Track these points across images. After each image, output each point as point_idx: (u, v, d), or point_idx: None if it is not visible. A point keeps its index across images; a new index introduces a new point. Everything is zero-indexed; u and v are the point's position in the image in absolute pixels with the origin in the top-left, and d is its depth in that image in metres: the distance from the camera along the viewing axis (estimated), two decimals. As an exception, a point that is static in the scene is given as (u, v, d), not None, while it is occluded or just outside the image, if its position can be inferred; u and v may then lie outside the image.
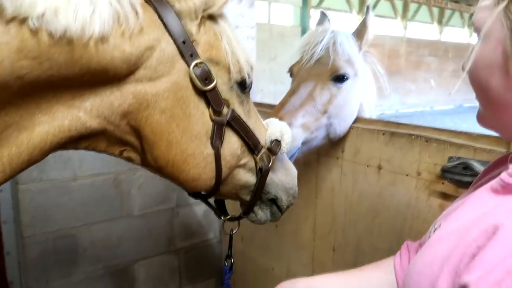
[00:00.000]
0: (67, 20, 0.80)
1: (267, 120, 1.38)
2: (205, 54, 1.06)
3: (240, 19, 2.60)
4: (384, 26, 17.53)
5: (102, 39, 0.86)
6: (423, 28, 19.14)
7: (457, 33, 20.90)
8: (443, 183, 1.49)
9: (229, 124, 1.13)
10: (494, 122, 0.83)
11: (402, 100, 17.87)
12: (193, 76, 1.02)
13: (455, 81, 20.54)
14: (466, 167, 1.38)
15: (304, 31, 13.11)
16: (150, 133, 1.02)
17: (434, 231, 0.86)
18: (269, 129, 1.32)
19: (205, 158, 1.11)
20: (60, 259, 2.34)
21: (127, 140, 1.05)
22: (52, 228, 2.29)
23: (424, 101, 19.03)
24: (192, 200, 2.80)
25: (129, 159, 1.12)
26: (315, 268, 2.16)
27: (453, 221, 0.76)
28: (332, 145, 1.95)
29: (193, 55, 1.02)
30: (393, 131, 1.69)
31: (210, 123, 1.09)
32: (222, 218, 1.45)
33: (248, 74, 1.15)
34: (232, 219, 1.45)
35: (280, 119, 1.46)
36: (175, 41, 0.99)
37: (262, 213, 1.39)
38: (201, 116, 1.07)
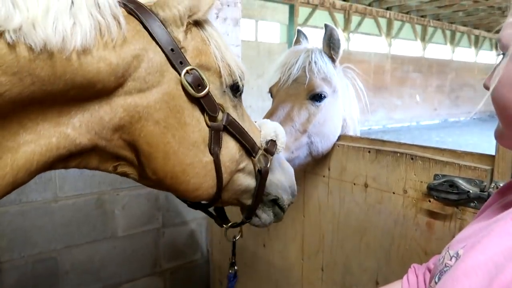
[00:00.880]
0: (46, 33, 0.77)
1: (259, 122, 1.36)
2: (194, 61, 1.04)
3: (225, 37, 2.61)
4: (369, 43, 17.87)
5: (85, 51, 0.83)
6: (407, 45, 19.56)
7: (440, 50, 21.40)
8: (429, 201, 1.48)
9: (225, 128, 1.11)
10: None
11: (389, 115, 18.12)
12: (185, 83, 0.99)
13: (439, 96, 20.99)
14: (452, 185, 1.38)
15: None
16: (146, 145, 0.99)
17: (452, 258, 0.81)
18: (263, 130, 1.30)
19: (205, 166, 1.08)
20: (40, 284, 2.25)
21: (121, 154, 1.01)
22: (32, 251, 2.20)
23: (410, 116, 19.32)
24: (178, 219, 2.78)
25: (124, 174, 1.08)
26: (304, 288, 2.12)
27: (479, 254, 0.70)
28: (318, 163, 1.93)
29: (183, 62, 1.00)
30: (378, 149, 1.68)
31: (207, 130, 1.07)
32: (224, 226, 1.42)
33: (239, 77, 1.14)
34: (234, 225, 1.42)
35: None
36: (163, 49, 0.97)
37: (265, 215, 1.36)
38: (197, 124, 1.04)
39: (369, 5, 17.08)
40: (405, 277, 1.12)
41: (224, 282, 1.54)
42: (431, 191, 1.44)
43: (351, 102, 2.02)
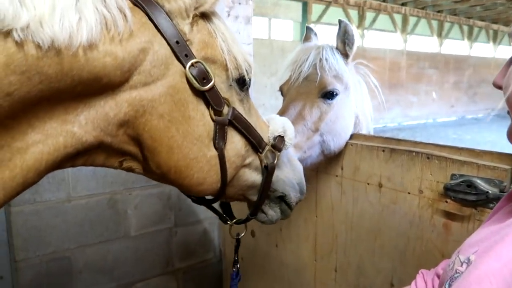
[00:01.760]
0: (54, 30, 0.77)
1: (268, 117, 1.34)
2: (200, 53, 1.03)
3: (237, 36, 2.59)
4: (384, 39, 17.63)
5: (91, 46, 0.83)
6: (423, 41, 19.23)
7: (457, 45, 20.98)
8: (446, 202, 1.43)
9: (231, 123, 1.09)
10: None
11: (404, 112, 17.85)
12: (190, 76, 0.98)
13: (456, 93, 20.60)
14: (470, 185, 1.33)
15: (304, 45, 13.20)
16: (150, 139, 0.98)
17: (463, 264, 0.78)
18: (271, 126, 1.28)
19: (209, 161, 1.07)
20: (54, 283, 2.28)
21: (126, 149, 1.01)
22: (46, 250, 2.23)
23: (426, 113, 19.00)
24: (190, 219, 2.78)
25: (129, 169, 1.08)
26: (317, 289, 2.09)
27: (493, 260, 0.67)
28: (331, 162, 1.90)
29: (188, 55, 0.99)
30: (393, 148, 1.64)
31: (212, 124, 1.06)
32: (229, 222, 1.40)
33: (246, 71, 1.12)
34: (240, 222, 1.40)
35: None
36: (168, 42, 0.96)
37: (272, 212, 1.35)
38: (201, 118, 1.03)
39: (384, 1, 16.84)
40: (413, 282, 1.08)
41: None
42: (448, 191, 1.40)
43: (363, 99, 1.98)
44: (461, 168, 1.39)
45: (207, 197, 1.27)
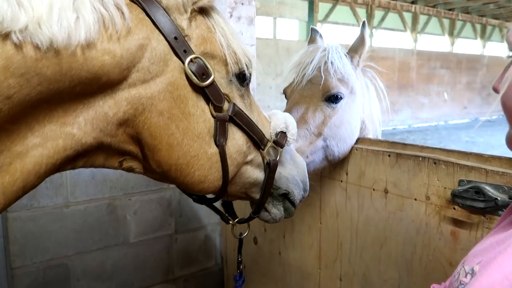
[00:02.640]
0: (52, 30, 0.78)
1: (269, 112, 1.35)
2: (199, 49, 1.04)
3: (239, 37, 2.61)
4: (394, 39, 17.60)
5: (90, 45, 0.84)
6: (434, 40, 19.17)
7: (470, 44, 20.89)
8: (454, 209, 1.43)
9: (231, 119, 1.11)
10: None
11: (415, 114, 17.78)
12: (189, 72, 1.00)
13: (469, 94, 20.47)
14: (478, 192, 1.32)
15: (310, 45, 13.21)
16: (149, 137, 1.00)
17: (467, 275, 0.79)
18: (272, 122, 1.29)
19: (210, 158, 1.08)
20: (52, 291, 2.30)
21: (126, 149, 1.02)
22: (43, 257, 2.25)
23: (438, 115, 18.91)
24: (191, 225, 2.79)
25: (130, 169, 1.09)
26: (321, 299, 2.09)
27: (495, 271, 0.68)
28: (335, 167, 1.90)
29: (187, 50, 1.00)
30: (399, 153, 1.64)
31: (212, 121, 1.07)
32: (231, 222, 1.41)
33: (246, 65, 1.13)
34: (242, 221, 1.41)
35: None
36: (166, 38, 0.97)
37: (275, 209, 1.36)
38: (201, 114, 1.05)
39: (393, -1, 16.83)
40: None
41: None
42: (456, 198, 1.39)
43: (371, 103, 1.98)
44: (469, 174, 1.38)
45: (208, 196, 1.29)
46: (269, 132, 1.27)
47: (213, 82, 1.04)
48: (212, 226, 2.85)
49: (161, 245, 2.65)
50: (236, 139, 1.14)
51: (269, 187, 1.28)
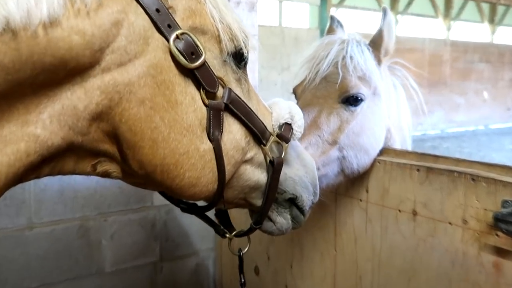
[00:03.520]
0: (8, 9, 0.77)
1: (270, 101, 1.35)
2: (186, 23, 1.04)
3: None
4: (423, 26, 17.66)
5: (53, 23, 0.83)
6: (471, 29, 19.23)
7: (514, 34, 20.99)
8: (496, 235, 1.42)
9: (227, 108, 1.10)
10: None
11: (449, 116, 17.79)
12: (175, 51, 0.99)
13: (514, 92, 20.47)
14: (526, 215, 1.32)
15: (323, 34, 13.26)
16: (129, 133, 0.99)
17: None
18: (274, 112, 1.29)
19: (203, 156, 1.08)
20: (11, 330, 2.29)
21: (100, 149, 1.02)
22: (1, 290, 2.24)
23: (476, 117, 18.91)
24: (180, 251, 2.79)
25: (105, 174, 1.09)
26: None
27: None
28: (353, 183, 1.90)
29: (172, 25, 1.00)
30: (430, 167, 1.64)
31: (204, 110, 1.07)
32: (227, 235, 1.40)
33: (243, 42, 1.13)
34: (241, 234, 1.41)
35: None
36: (146, 10, 0.97)
37: (281, 218, 1.35)
38: (191, 102, 1.04)
39: (422, -21, 16.93)
40: None
41: None
42: (499, 222, 1.39)
43: (399, 107, 1.98)
44: (515, 194, 1.38)
45: (199, 203, 1.28)
46: (271, 124, 1.27)
47: (204, 63, 1.04)
48: (205, 252, 2.84)
49: (143, 275, 2.65)
50: (233, 132, 1.14)
51: (273, 191, 1.27)
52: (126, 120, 0.98)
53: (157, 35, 0.99)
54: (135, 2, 0.96)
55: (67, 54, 0.86)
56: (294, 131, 1.30)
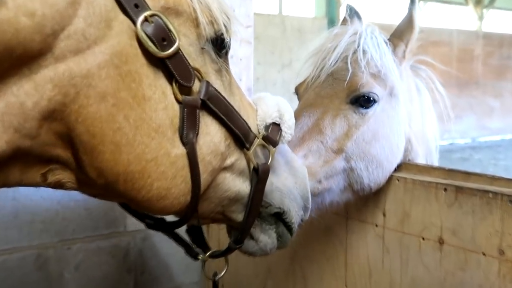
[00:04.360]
0: None
1: (255, 96, 1.36)
2: (158, 3, 1.04)
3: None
4: (450, 15, 17.82)
5: None
6: (507, 18, 19.42)
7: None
8: (540, 269, 1.43)
9: (204, 105, 1.11)
10: None
11: (481, 123, 17.91)
12: (143, 36, 0.99)
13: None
14: None
15: (332, 25, 13.34)
16: (86, 135, 0.99)
17: None
18: (260, 109, 1.30)
19: (174, 163, 1.08)
20: None
21: (52, 154, 1.01)
22: None
23: (514, 124, 19.05)
24: (158, 285, 2.77)
25: (58, 185, 1.08)
26: None
27: None
28: (366, 204, 1.91)
29: (139, 5, 1.00)
30: (459, 186, 1.64)
31: (177, 107, 1.07)
32: (200, 257, 1.41)
33: (225, 25, 1.14)
34: (217, 254, 1.42)
35: None
36: None
37: (264, 236, 1.36)
38: (161, 98, 1.05)
39: (449, -40, 17.11)
40: None
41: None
42: (543, 253, 1.39)
43: (424, 113, 1.98)
44: (562, 219, 1.38)
45: (168, 218, 1.28)
46: (255, 124, 1.28)
47: (178, 51, 1.05)
48: (188, 286, 2.83)
49: (114, 315, 2.63)
50: (211, 134, 1.15)
51: (257, 204, 1.28)
52: (84, 119, 0.98)
53: (121, 17, 0.99)
54: None
55: (13, 39, 0.86)
56: (283, 133, 1.32)
